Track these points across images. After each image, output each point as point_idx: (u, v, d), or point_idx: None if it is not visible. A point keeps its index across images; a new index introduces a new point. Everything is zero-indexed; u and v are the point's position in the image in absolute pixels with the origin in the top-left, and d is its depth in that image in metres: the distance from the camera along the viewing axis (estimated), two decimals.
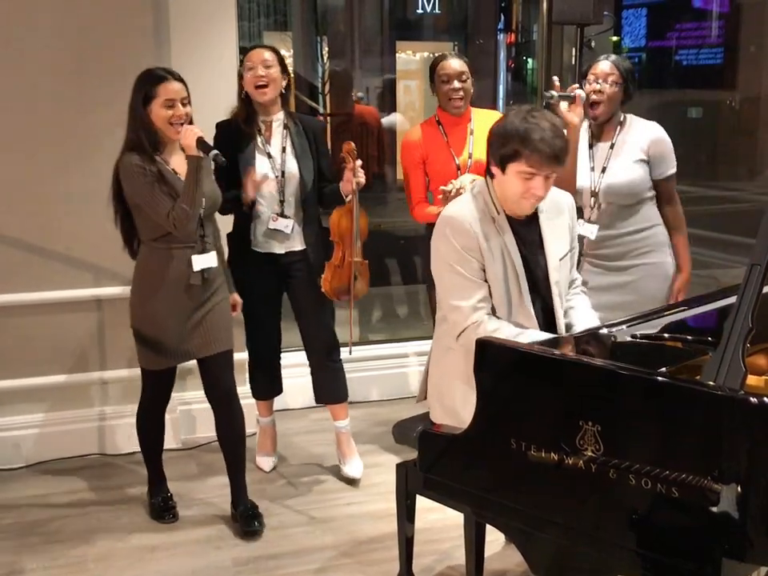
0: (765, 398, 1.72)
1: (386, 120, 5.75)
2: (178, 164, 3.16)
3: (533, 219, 2.66)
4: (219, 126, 3.56)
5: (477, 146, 3.68)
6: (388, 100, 6.90)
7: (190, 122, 3.17)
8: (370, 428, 4.32)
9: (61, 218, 3.83)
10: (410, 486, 2.54)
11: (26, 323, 3.86)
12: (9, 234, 3.80)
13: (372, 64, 7.35)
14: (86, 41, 3.74)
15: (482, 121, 3.74)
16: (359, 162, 3.45)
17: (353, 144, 3.47)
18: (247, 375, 3.83)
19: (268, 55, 3.50)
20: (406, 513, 2.62)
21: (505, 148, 2.48)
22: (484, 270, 2.54)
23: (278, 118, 3.59)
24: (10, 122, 3.73)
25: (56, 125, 3.76)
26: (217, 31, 3.97)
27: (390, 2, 8.20)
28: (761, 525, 1.74)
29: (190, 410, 4.11)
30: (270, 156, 3.54)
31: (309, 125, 3.69)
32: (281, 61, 3.56)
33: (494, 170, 2.55)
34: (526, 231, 2.63)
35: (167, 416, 3.94)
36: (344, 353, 3.75)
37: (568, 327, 2.71)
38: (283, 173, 3.53)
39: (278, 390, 3.88)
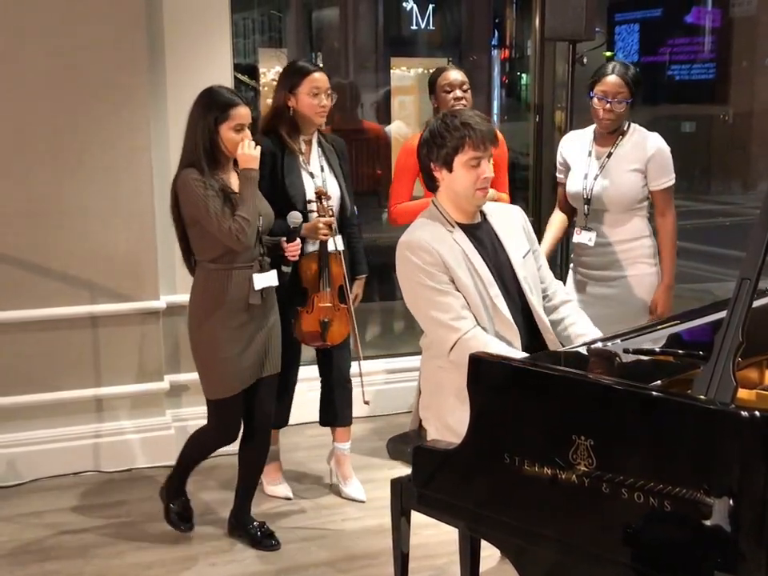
0: (755, 412, 1.73)
1: (391, 128, 5.78)
2: (235, 185, 3.16)
3: (485, 223, 2.73)
4: (260, 142, 3.36)
5: None
6: (383, 115, 6.91)
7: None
8: (365, 443, 4.32)
9: (56, 236, 3.84)
10: (405, 501, 2.53)
11: (21, 340, 3.87)
12: (3, 251, 3.81)
13: (366, 80, 7.38)
14: (80, 58, 3.76)
15: None
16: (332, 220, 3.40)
17: (325, 188, 3.45)
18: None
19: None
20: (400, 528, 2.61)
21: (446, 147, 2.60)
22: (453, 282, 2.57)
23: (315, 135, 3.56)
24: (5, 139, 3.74)
25: (51, 141, 3.78)
26: (211, 48, 3.99)
27: (384, 19, 8.24)
28: (753, 538, 1.74)
29: (185, 426, 4.10)
30: (312, 176, 3.49)
31: (336, 143, 3.66)
32: None
33: (440, 175, 2.65)
34: (483, 235, 2.69)
35: (163, 432, 3.95)
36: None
37: (569, 340, 2.73)
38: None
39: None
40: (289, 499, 3.75)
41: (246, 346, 3.17)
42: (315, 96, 3.42)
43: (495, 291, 2.60)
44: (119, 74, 3.79)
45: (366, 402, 3.63)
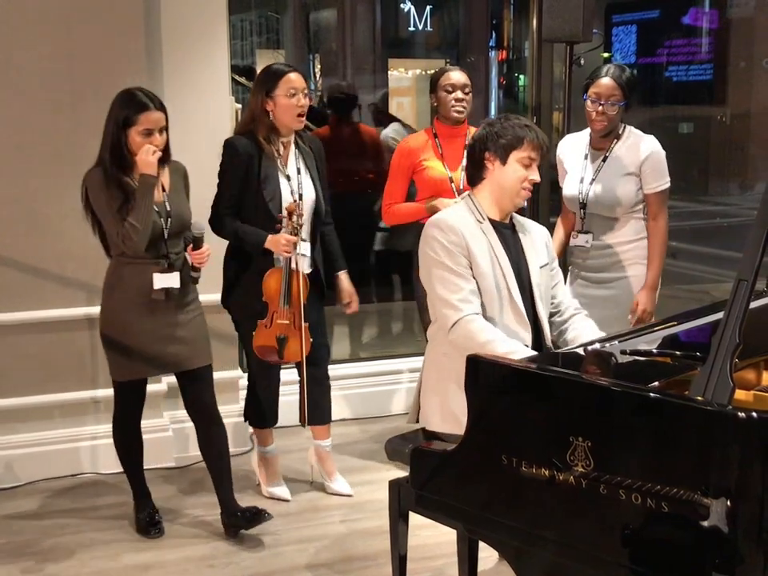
0: (753, 413, 1.73)
1: (389, 131, 5.76)
2: None
3: (512, 229, 2.80)
4: (237, 142, 3.44)
5: None
6: (380, 116, 6.92)
7: (166, 148, 3.21)
8: (363, 445, 4.32)
9: (54, 237, 3.83)
10: (403, 503, 2.54)
11: (18, 342, 3.86)
12: (2, 253, 3.80)
13: (364, 81, 7.39)
14: (78, 61, 3.75)
15: None
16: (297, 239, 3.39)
17: (295, 205, 3.42)
18: (243, 398, 3.82)
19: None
20: (399, 530, 2.61)
21: (505, 138, 2.68)
22: (471, 269, 2.64)
23: (292, 137, 3.55)
24: (4, 142, 3.74)
25: (49, 145, 3.77)
26: (209, 49, 3.98)
27: (382, 20, 8.25)
28: (751, 539, 1.74)
29: (183, 428, 4.09)
30: (288, 178, 3.49)
31: (313, 143, 3.66)
32: None
33: (491, 165, 2.71)
34: (509, 236, 2.77)
35: (161, 434, 3.94)
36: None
37: (568, 344, 2.77)
38: (300, 195, 3.49)
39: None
40: (287, 500, 3.75)
41: (152, 338, 3.24)
42: (293, 96, 3.41)
43: (513, 284, 2.68)
44: (117, 76, 3.77)
45: (303, 425, 3.67)
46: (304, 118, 3.48)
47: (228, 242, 3.57)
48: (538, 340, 2.71)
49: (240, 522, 3.40)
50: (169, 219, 3.21)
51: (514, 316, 2.66)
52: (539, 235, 2.87)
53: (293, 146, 3.55)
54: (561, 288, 2.90)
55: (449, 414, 2.62)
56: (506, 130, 2.68)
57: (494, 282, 2.65)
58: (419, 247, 2.73)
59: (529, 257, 2.77)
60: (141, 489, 3.52)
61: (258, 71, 3.62)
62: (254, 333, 3.48)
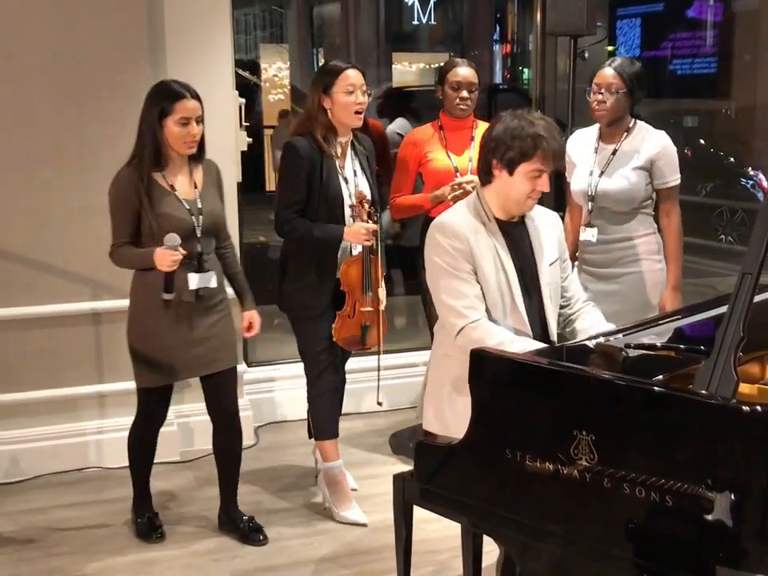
0: (757, 407, 1.73)
1: (394, 126, 5.74)
2: (181, 182, 3.17)
3: (521, 225, 2.70)
4: (298, 144, 3.36)
5: (477, 153, 3.74)
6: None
7: (201, 141, 3.16)
8: (368, 438, 4.32)
9: (59, 232, 3.84)
10: (408, 497, 2.54)
11: (23, 337, 3.87)
12: (7, 248, 3.81)
13: (368, 75, 7.38)
14: (82, 56, 3.75)
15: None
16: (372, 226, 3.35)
17: (365, 193, 3.40)
18: (247, 393, 3.81)
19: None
20: (403, 524, 2.61)
21: (513, 150, 2.54)
22: (476, 273, 2.57)
23: (350, 137, 3.47)
24: (8, 137, 3.74)
25: (54, 139, 3.78)
26: (212, 44, 3.98)
27: (385, 14, 8.25)
28: (755, 533, 1.75)
29: (188, 422, 4.11)
30: (346, 181, 3.42)
31: (366, 142, 3.59)
32: None
33: (498, 174, 2.60)
34: (517, 235, 2.68)
35: (166, 428, 3.95)
36: None
37: (573, 333, 2.73)
38: None
39: None
40: (364, 525, 3.52)
41: (179, 342, 3.17)
42: (351, 93, 3.34)
43: (517, 290, 2.60)
44: (120, 70, 3.79)
45: (380, 404, 3.66)
46: (362, 116, 3.41)
47: (292, 242, 3.48)
48: (544, 340, 2.63)
49: (236, 532, 3.41)
50: (200, 217, 3.15)
51: (516, 322, 2.59)
52: (551, 227, 2.76)
53: (350, 148, 3.47)
54: (571, 280, 2.82)
55: (442, 420, 2.61)
56: (515, 141, 2.52)
57: (497, 288, 2.58)
58: (425, 249, 2.67)
59: (538, 256, 2.67)
60: (143, 490, 3.48)
61: (317, 70, 3.56)
62: (333, 326, 3.43)
